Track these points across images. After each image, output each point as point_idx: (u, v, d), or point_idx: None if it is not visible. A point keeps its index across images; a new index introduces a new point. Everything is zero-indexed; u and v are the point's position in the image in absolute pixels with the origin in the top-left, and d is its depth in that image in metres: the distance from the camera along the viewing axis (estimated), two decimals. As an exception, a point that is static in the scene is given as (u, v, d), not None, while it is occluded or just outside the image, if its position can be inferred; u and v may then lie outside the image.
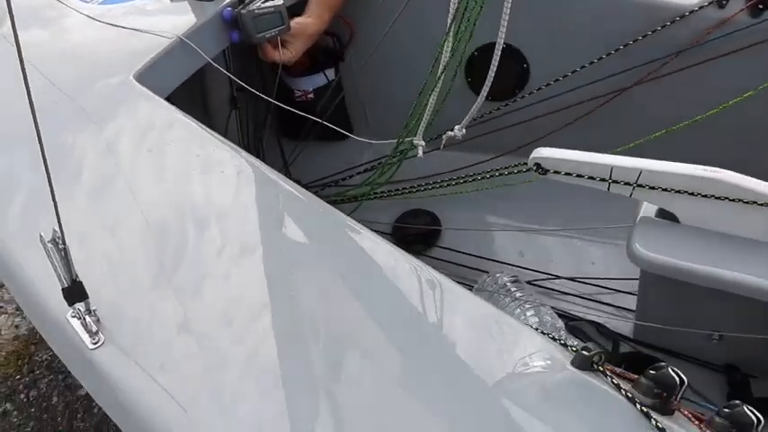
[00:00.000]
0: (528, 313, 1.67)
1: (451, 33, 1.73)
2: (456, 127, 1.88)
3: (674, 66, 1.96)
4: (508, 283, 1.79)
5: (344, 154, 2.39)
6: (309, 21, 1.97)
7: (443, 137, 1.90)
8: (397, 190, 2.10)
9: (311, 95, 2.25)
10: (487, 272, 1.93)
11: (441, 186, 2.06)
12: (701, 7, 1.87)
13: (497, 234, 2.14)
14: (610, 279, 1.93)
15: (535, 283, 1.97)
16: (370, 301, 1.05)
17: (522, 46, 2.11)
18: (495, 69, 1.72)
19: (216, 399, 0.90)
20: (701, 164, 1.42)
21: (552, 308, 1.81)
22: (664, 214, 1.55)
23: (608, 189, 1.52)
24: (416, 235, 2.18)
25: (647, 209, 1.56)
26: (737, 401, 0.84)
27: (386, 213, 2.25)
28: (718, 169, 1.42)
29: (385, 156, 2.15)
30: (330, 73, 2.26)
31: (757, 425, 0.82)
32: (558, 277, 1.97)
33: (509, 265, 2.05)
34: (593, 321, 1.87)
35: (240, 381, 0.92)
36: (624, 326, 1.82)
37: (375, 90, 2.36)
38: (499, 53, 1.69)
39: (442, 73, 1.77)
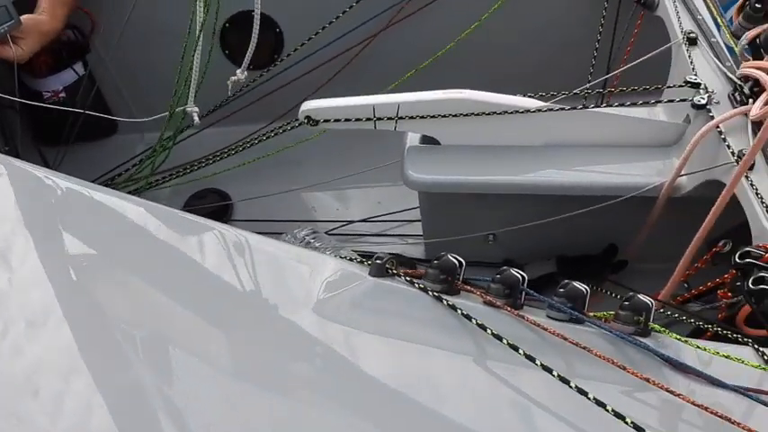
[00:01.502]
0: (330, 258, 1.76)
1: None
2: (237, 71, 1.87)
3: (410, 9, 2.15)
4: (307, 237, 1.87)
5: (115, 149, 2.29)
6: (43, 18, 1.85)
7: (228, 82, 1.89)
8: (179, 172, 2.07)
9: (62, 94, 2.11)
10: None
11: (221, 159, 2.08)
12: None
13: (288, 196, 2.20)
14: (396, 212, 2.10)
15: (332, 232, 2.08)
16: (179, 283, 1.03)
17: (270, 11, 2.17)
18: (255, 37, 1.77)
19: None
20: None
21: (352, 250, 1.93)
22: (426, 140, 1.73)
23: (375, 127, 1.66)
24: (207, 215, 2.17)
25: (412, 138, 1.72)
26: (505, 267, 1.00)
27: (171, 201, 2.21)
28: (461, 90, 1.61)
29: (161, 142, 2.10)
30: (79, 68, 2.14)
31: (522, 281, 0.99)
32: (350, 222, 2.10)
33: (306, 221, 2.13)
34: (391, 253, 2.02)
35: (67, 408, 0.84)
36: (416, 250, 2.00)
37: (132, 75, 2.28)
38: (258, 23, 1.74)
39: (199, 35, 1.77)
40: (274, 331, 0.98)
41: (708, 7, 1.79)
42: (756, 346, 0.99)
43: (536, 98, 1.63)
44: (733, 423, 0.82)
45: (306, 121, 1.64)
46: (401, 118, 1.61)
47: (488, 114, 1.57)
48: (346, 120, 1.63)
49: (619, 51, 2.00)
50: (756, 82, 1.44)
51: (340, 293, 1.00)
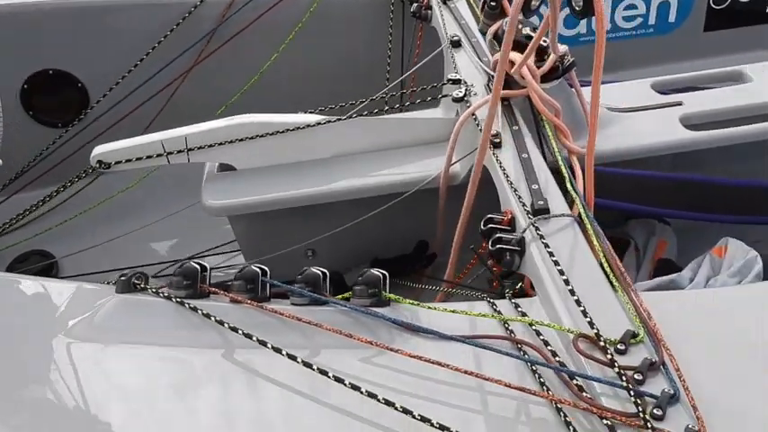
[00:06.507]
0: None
1: None
2: None
3: (210, 49, 2.21)
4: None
5: None
6: None
7: None
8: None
9: None
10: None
11: (35, 220, 2.04)
12: (205, -7, 2.16)
13: (113, 246, 2.17)
14: (225, 244, 2.11)
15: (159, 275, 2.06)
16: None
17: (69, 68, 2.17)
18: None
19: None
20: None
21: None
22: (224, 167, 1.77)
23: (168, 162, 1.68)
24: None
25: (210, 168, 1.76)
26: (245, 264, 1.06)
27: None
28: (243, 115, 1.68)
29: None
30: None
31: (263, 274, 1.04)
32: (177, 261, 2.08)
33: (131, 267, 2.10)
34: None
35: None
36: None
37: None
38: None
39: None
40: (27, 366, 0.98)
41: (471, 10, 1.96)
42: (491, 300, 1.08)
43: (323, 112, 1.72)
44: (459, 371, 0.89)
45: (98, 165, 1.65)
46: (191, 149, 1.65)
47: (272, 134, 1.64)
48: (138, 159, 1.65)
49: (409, 62, 2.14)
50: (503, 71, 1.59)
51: (88, 315, 1.01)
